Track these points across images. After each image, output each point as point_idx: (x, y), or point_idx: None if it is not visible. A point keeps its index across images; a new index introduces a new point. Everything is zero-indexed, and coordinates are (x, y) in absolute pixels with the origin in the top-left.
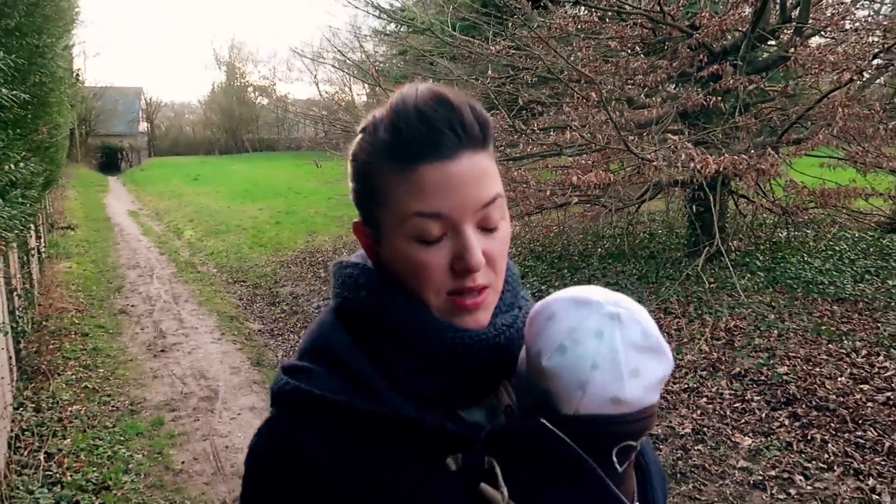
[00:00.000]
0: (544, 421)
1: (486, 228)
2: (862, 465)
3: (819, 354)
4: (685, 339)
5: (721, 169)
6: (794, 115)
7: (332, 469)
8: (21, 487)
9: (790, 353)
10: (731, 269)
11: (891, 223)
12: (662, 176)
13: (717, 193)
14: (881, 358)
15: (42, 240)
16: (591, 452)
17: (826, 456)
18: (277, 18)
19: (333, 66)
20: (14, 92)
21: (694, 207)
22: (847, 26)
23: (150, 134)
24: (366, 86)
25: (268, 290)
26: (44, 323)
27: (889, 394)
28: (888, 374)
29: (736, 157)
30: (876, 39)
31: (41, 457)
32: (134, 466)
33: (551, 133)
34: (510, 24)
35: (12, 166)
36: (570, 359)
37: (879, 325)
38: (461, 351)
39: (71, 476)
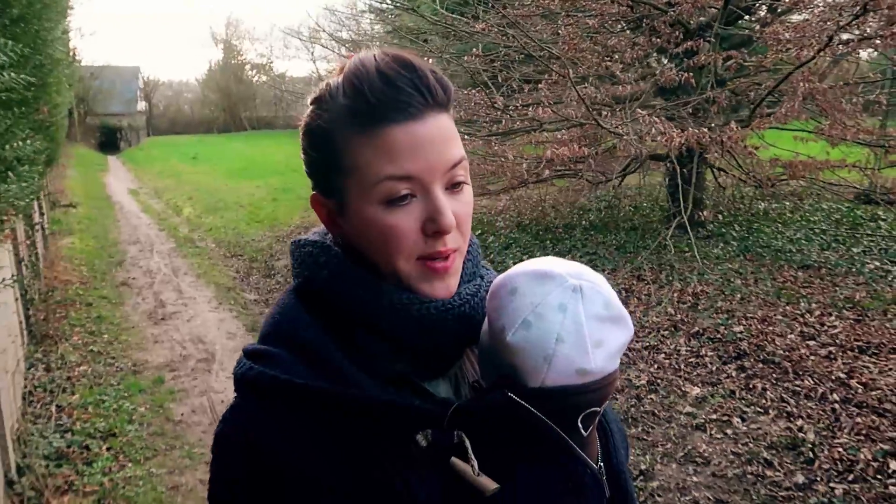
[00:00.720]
0: (511, 394)
1: (453, 190)
2: (794, 409)
3: (775, 315)
4: (653, 303)
5: (684, 142)
6: (765, 90)
7: (300, 454)
8: (35, 434)
9: (748, 314)
10: (692, 238)
11: (867, 195)
12: (632, 149)
13: (695, 166)
14: (832, 318)
15: (45, 216)
16: (557, 421)
17: (764, 402)
18: None
19: (325, 46)
20: (21, 75)
21: (667, 179)
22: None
23: (149, 113)
24: None
25: (263, 264)
26: (50, 294)
27: (832, 348)
28: (835, 331)
29: (698, 131)
30: (836, 18)
31: (52, 409)
32: (137, 418)
33: (529, 109)
34: (489, 3)
35: (19, 143)
36: (534, 333)
37: (838, 288)
38: (427, 324)
39: (80, 425)
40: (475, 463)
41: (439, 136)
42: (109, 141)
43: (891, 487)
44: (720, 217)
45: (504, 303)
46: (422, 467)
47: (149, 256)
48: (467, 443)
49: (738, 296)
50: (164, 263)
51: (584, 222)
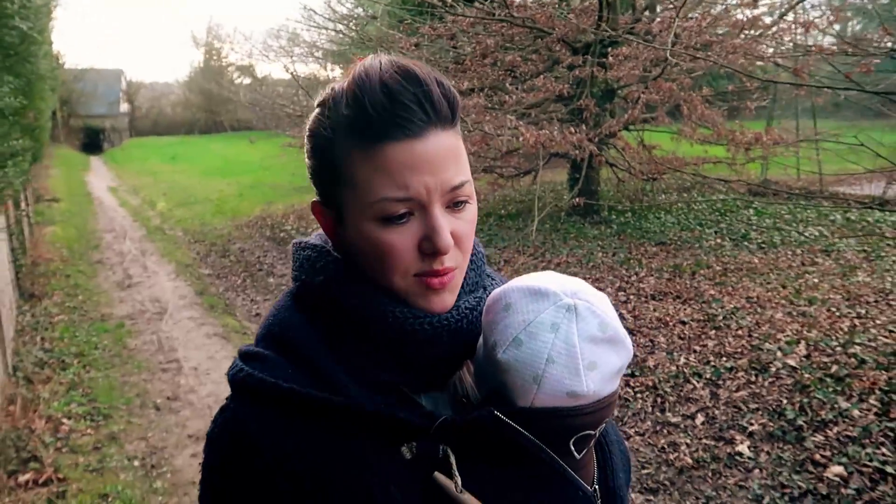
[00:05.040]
0: (497, 412)
1: (455, 209)
2: None
3: (608, 276)
4: (520, 270)
5: (535, 142)
6: (637, 98)
7: (285, 458)
8: (24, 352)
9: (585, 276)
10: (534, 224)
11: (755, 188)
12: (501, 147)
13: (586, 164)
14: (651, 278)
15: (30, 207)
16: (547, 442)
17: None
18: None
19: (300, 54)
20: (19, 99)
21: (567, 175)
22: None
23: (132, 115)
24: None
25: (221, 247)
26: (34, 266)
27: (632, 296)
28: (644, 286)
29: (546, 133)
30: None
31: (38, 339)
32: (101, 346)
33: None
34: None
35: (13, 142)
36: (524, 353)
37: (674, 259)
38: (422, 339)
39: (58, 348)
40: (458, 479)
41: (440, 156)
42: (92, 142)
43: None
44: (619, 206)
45: (497, 318)
46: (405, 479)
47: (122, 242)
48: (452, 458)
49: (591, 264)
50: (135, 247)
51: (502, 211)
